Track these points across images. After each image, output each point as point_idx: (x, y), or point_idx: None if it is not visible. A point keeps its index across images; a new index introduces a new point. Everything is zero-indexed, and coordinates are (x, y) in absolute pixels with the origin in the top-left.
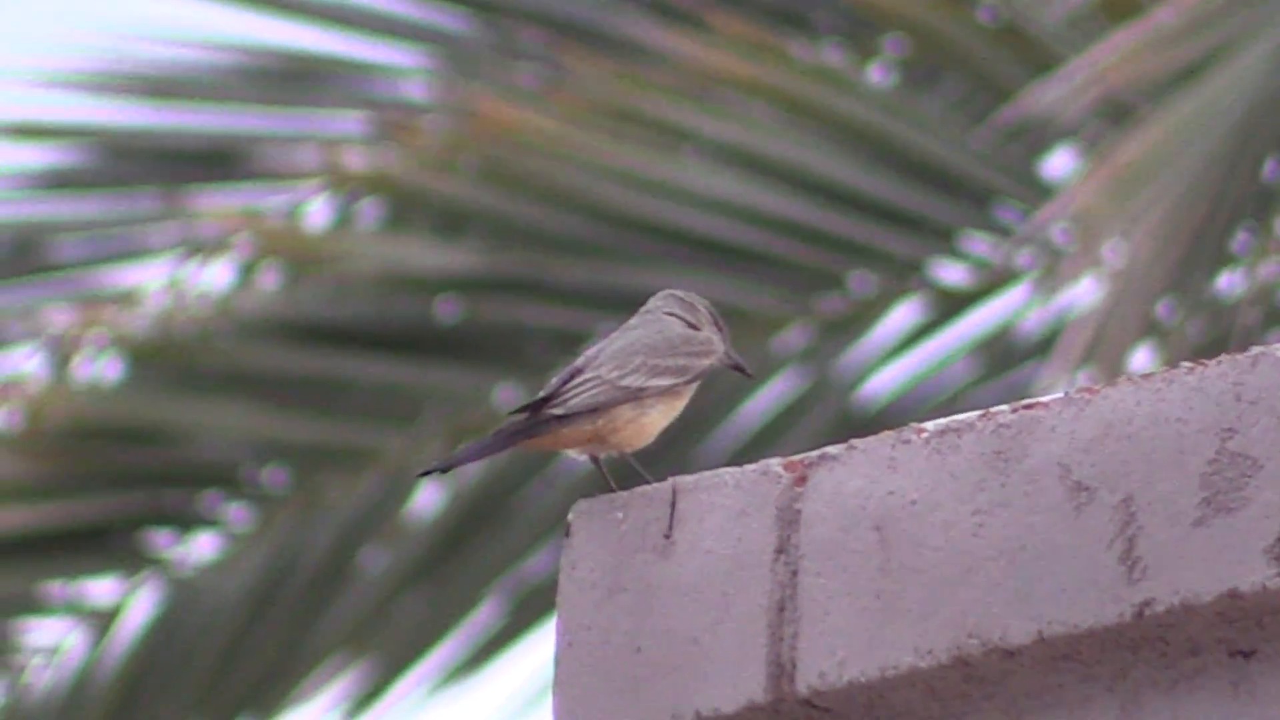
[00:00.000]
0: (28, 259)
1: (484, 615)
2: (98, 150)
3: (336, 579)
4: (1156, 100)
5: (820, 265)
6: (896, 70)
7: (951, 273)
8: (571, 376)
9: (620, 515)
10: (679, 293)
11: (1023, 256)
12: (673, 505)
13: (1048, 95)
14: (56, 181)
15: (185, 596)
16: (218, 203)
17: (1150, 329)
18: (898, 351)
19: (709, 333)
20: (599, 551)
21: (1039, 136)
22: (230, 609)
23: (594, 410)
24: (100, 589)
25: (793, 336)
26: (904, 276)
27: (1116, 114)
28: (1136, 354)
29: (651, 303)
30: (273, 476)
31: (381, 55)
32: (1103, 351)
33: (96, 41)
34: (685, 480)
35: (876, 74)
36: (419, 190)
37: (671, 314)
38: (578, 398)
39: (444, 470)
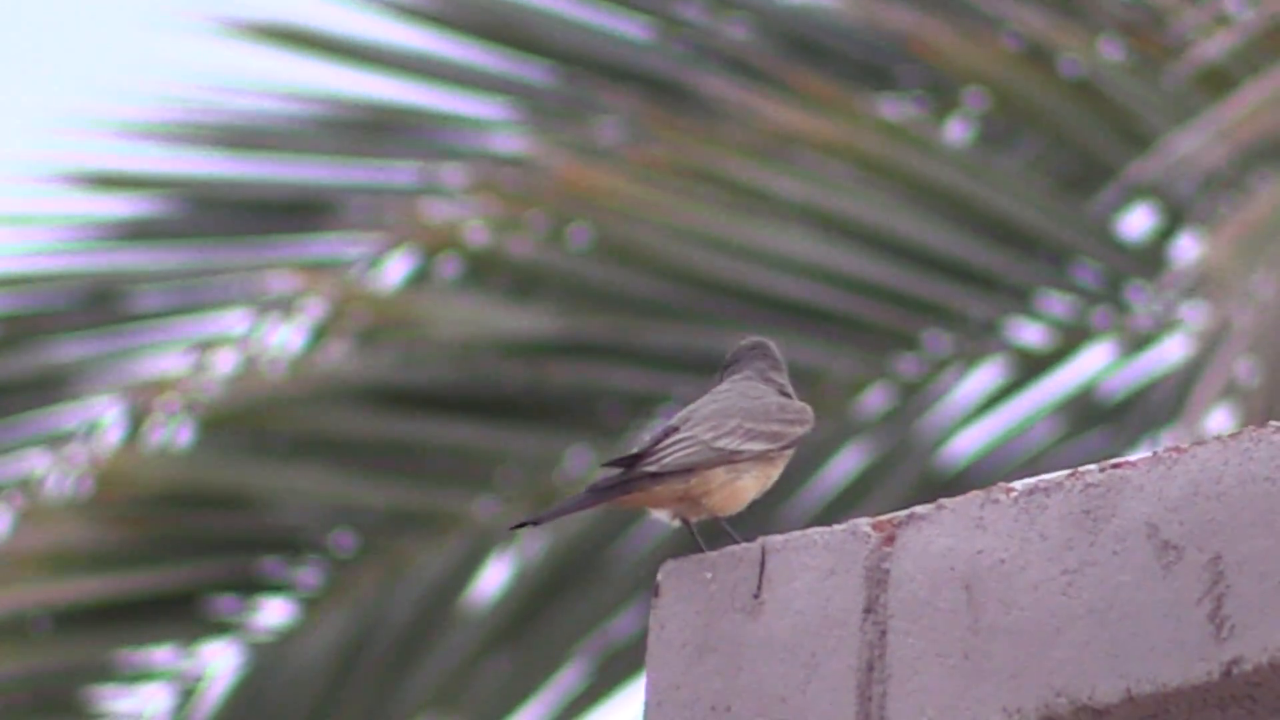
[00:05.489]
0: (107, 309)
1: (569, 676)
2: (178, 201)
3: (420, 642)
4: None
5: (897, 325)
6: (974, 128)
7: (1029, 333)
8: (666, 435)
9: (709, 575)
10: (769, 342)
11: (1098, 315)
12: (762, 565)
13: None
14: (137, 232)
15: (267, 661)
16: (298, 253)
17: None
18: (979, 413)
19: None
20: (688, 611)
21: (1116, 196)
22: (313, 674)
23: (688, 470)
24: (183, 655)
25: (873, 398)
26: (981, 336)
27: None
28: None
29: (743, 354)
30: (351, 540)
31: (462, 107)
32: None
33: (179, 92)
34: (774, 540)
35: (954, 132)
36: (495, 251)
37: (767, 379)
38: (672, 456)
39: (536, 524)
